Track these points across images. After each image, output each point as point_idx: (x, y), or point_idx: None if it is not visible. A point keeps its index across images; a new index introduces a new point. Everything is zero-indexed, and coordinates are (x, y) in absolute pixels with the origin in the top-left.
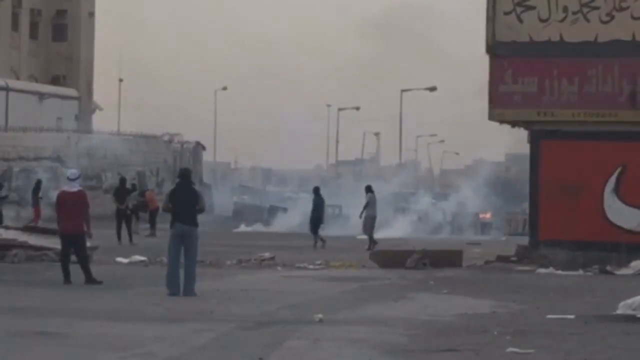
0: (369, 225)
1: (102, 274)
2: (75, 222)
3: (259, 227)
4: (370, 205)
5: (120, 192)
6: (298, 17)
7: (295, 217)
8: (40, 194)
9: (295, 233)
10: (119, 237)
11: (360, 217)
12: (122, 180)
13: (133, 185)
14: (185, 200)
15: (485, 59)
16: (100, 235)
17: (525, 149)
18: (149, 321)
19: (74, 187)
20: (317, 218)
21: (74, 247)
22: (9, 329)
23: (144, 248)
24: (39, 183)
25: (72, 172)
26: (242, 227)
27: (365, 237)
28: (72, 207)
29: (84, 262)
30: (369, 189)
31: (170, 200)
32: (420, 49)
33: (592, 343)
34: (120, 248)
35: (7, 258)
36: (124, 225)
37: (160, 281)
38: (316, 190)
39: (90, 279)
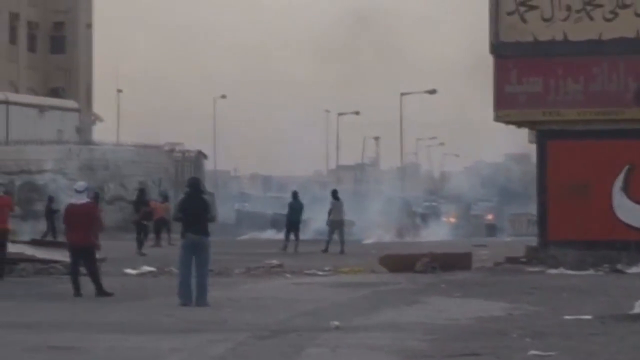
0: (333, 229)
1: (111, 286)
2: (84, 235)
3: (272, 235)
4: (334, 210)
5: (138, 203)
6: (294, 22)
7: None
8: (54, 207)
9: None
10: (139, 248)
11: (327, 223)
12: (142, 191)
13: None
14: (196, 209)
15: (486, 59)
16: (106, 247)
17: (524, 149)
18: (163, 332)
19: (82, 200)
20: (294, 222)
21: (84, 259)
22: (24, 344)
23: (152, 258)
24: (51, 199)
25: (79, 184)
26: (251, 235)
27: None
28: (80, 220)
29: (94, 275)
30: (334, 195)
31: (180, 210)
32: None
33: (613, 343)
34: (129, 259)
35: (14, 272)
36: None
37: (171, 292)
38: (295, 195)
39: (101, 291)
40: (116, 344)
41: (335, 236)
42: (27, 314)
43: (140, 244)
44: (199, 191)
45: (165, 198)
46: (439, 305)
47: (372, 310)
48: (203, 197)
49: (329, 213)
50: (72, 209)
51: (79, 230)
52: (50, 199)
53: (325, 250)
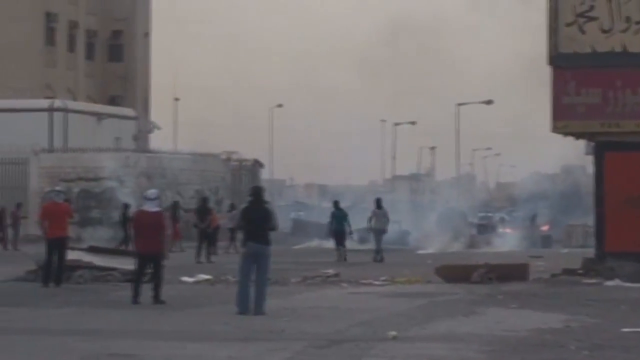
0: (375, 237)
1: (168, 294)
2: (153, 242)
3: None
4: (376, 219)
5: (202, 211)
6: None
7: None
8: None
9: (354, 249)
10: (198, 256)
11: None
12: (205, 200)
13: (175, 203)
14: (258, 219)
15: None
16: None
17: (581, 160)
18: (220, 341)
19: (154, 208)
20: (340, 231)
21: (153, 266)
22: (82, 351)
23: (209, 267)
24: (126, 206)
25: (151, 192)
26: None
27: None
28: (151, 228)
29: (158, 282)
30: (378, 203)
31: (242, 218)
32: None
33: None
34: (185, 267)
35: (72, 279)
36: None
37: (227, 300)
38: (336, 204)
39: (158, 299)
40: (174, 352)
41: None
42: (85, 321)
43: (200, 252)
44: (261, 200)
45: (232, 207)
46: (496, 316)
47: (428, 321)
48: (265, 207)
49: (369, 220)
50: (143, 216)
51: (149, 238)
52: (126, 206)
53: (379, 260)
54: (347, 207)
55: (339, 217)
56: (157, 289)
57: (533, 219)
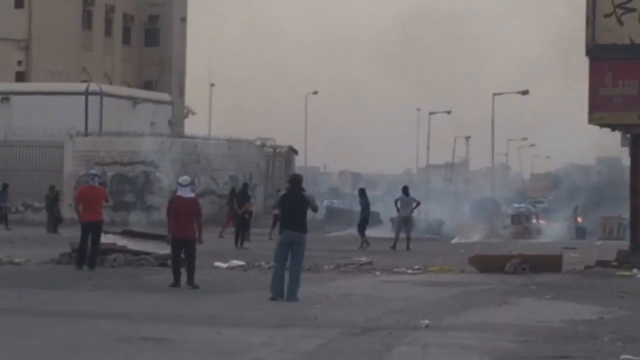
0: (400, 225)
1: (201, 279)
2: (189, 228)
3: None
4: (402, 206)
5: (242, 197)
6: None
7: (388, 222)
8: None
9: (387, 238)
10: (237, 242)
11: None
12: (244, 185)
13: (233, 189)
14: (295, 206)
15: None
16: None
17: (616, 152)
18: (253, 326)
19: (189, 194)
20: (364, 219)
21: (185, 251)
22: (115, 335)
23: (242, 252)
24: (245, 186)
25: (184, 178)
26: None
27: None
28: (186, 213)
29: (193, 266)
30: (405, 191)
31: (280, 205)
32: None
33: None
34: (218, 252)
35: (106, 262)
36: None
37: (260, 286)
38: (362, 192)
39: (191, 282)
40: (208, 337)
41: (402, 233)
42: (118, 305)
43: (239, 238)
44: (299, 188)
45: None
46: (529, 306)
47: (461, 310)
48: (303, 194)
49: (396, 206)
50: (179, 202)
51: (185, 222)
52: (242, 196)
53: (393, 247)
54: (379, 195)
55: (365, 205)
56: (191, 273)
57: (575, 210)
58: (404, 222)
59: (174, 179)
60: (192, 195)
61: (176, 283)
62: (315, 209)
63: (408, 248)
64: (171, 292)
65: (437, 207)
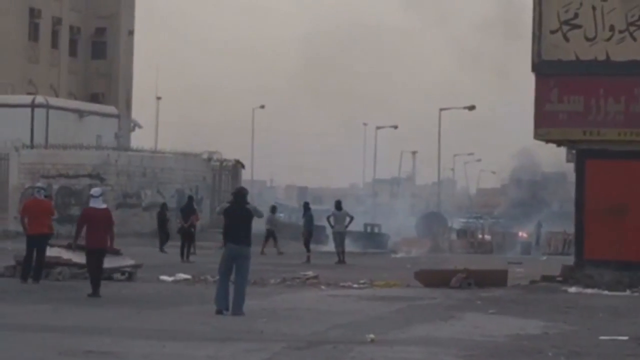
0: (335, 239)
1: (146, 292)
2: (102, 238)
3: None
4: (336, 221)
5: (187, 210)
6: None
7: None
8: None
9: (332, 252)
10: (182, 255)
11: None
12: (190, 199)
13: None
14: (239, 220)
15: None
16: (141, 253)
17: (562, 167)
18: (199, 340)
19: (101, 205)
20: (309, 233)
21: (96, 260)
22: (60, 347)
23: (188, 266)
24: (164, 206)
25: (95, 190)
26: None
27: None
28: (99, 224)
29: (99, 275)
30: (337, 205)
31: (224, 217)
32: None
33: None
34: (164, 266)
35: (51, 276)
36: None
37: (206, 299)
38: (306, 206)
39: (96, 292)
40: (152, 351)
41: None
42: (63, 318)
43: (184, 251)
44: (243, 201)
45: (273, 210)
46: (474, 321)
47: (407, 324)
48: (247, 208)
49: (328, 221)
50: (92, 212)
51: (99, 233)
52: (164, 206)
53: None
54: (326, 209)
55: (309, 220)
56: (97, 281)
57: (539, 225)
58: (338, 236)
59: (120, 192)
60: (104, 206)
61: (95, 293)
62: (260, 216)
63: (343, 261)
64: (116, 305)
65: (383, 221)
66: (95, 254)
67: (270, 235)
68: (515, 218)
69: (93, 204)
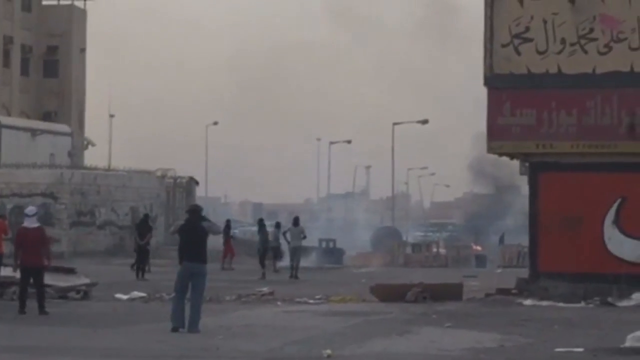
0: (291, 254)
1: (102, 311)
2: (36, 256)
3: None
4: (292, 236)
5: (142, 227)
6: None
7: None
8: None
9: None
10: (138, 274)
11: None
12: (145, 216)
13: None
14: (194, 237)
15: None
16: (96, 272)
17: (515, 180)
18: (156, 358)
19: (34, 224)
20: (265, 250)
21: (34, 279)
22: None
23: (143, 284)
24: (146, 217)
25: (30, 209)
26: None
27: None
28: (32, 242)
29: (42, 294)
30: (294, 222)
31: (179, 235)
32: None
33: None
34: (119, 284)
35: (6, 295)
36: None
37: (162, 317)
38: (261, 222)
39: (43, 310)
40: None
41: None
42: (19, 338)
43: (140, 270)
44: (198, 218)
45: (277, 225)
46: (430, 335)
47: (363, 340)
48: (202, 225)
49: (284, 237)
50: (25, 232)
51: (32, 252)
52: (143, 227)
53: (294, 277)
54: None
55: (262, 236)
56: (41, 300)
57: (501, 238)
58: (294, 252)
59: (74, 210)
60: (36, 224)
61: (22, 310)
62: (216, 233)
63: (296, 277)
64: (72, 324)
65: (338, 236)
66: (31, 273)
67: (275, 252)
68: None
69: (26, 223)
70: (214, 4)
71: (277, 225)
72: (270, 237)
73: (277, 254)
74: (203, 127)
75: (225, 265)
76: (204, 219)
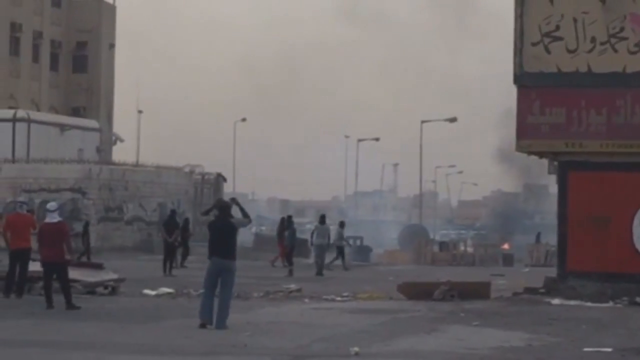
0: (317, 252)
1: (130, 307)
2: (57, 251)
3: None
4: (318, 234)
5: (170, 224)
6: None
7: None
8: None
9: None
10: (165, 270)
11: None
12: (173, 212)
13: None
14: (223, 233)
15: (510, 89)
16: (124, 267)
17: (543, 179)
18: (182, 355)
19: (55, 219)
20: (292, 247)
21: (57, 274)
22: None
23: (171, 280)
24: (173, 213)
25: (51, 204)
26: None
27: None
28: (53, 237)
29: (67, 288)
30: (321, 219)
31: (208, 231)
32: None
33: None
34: (147, 280)
35: (34, 290)
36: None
37: (189, 313)
38: (288, 219)
39: (70, 305)
40: None
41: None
42: (46, 333)
43: (167, 265)
44: (227, 214)
45: (342, 225)
46: (458, 334)
47: (391, 337)
48: (230, 221)
49: (311, 235)
50: (46, 227)
51: (52, 247)
52: (87, 223)
53: (319, 273)
54: (309, 222)
55: (292, 234)
56: (67, 295)
57: (538, 237)
58: (320, 249)
59: (102, 205)
60: (56, 219)
61: (49, 305)
62: (245, 225)
63: (321, 273)
64: (100, 319)
65: (366, 234)
66: (54, 268)
67: (339, 251)
68: (497, 230)
69: (48, 218)
70: (239, 2)
71: (342, 225)
72: (335, 237)
73: (341, 253)
74: (231, 124)
75: (281, 263)
76: (231, 215)
